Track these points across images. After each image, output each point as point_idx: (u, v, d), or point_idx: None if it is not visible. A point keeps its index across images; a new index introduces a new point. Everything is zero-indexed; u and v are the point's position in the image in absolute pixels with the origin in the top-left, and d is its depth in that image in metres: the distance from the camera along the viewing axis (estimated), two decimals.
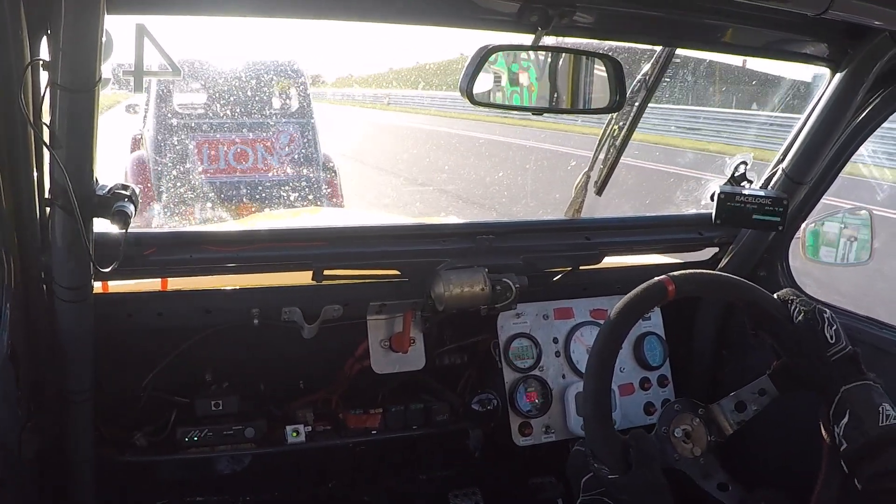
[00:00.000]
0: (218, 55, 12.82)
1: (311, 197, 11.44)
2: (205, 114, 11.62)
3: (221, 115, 11.46)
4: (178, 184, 10.94)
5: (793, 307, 2.37)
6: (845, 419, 2.21)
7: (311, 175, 11.60)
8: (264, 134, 11.58)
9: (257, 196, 11.27)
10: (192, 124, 11.37)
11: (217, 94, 11.48)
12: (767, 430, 2.77)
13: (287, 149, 11.61)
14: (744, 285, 2.46)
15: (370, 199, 15.87)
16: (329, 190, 11.65)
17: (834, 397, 2.25)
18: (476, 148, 24.49)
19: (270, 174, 11.49)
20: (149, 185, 10.58)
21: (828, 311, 2.34)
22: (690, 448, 2.45)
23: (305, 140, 11.72)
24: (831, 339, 2.30)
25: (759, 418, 2.46)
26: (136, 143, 11.91)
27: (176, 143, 11.07)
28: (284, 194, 11.38)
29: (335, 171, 11.86)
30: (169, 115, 11.23)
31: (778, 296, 2.43)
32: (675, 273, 2.38)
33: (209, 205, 10.94)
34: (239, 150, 11.38)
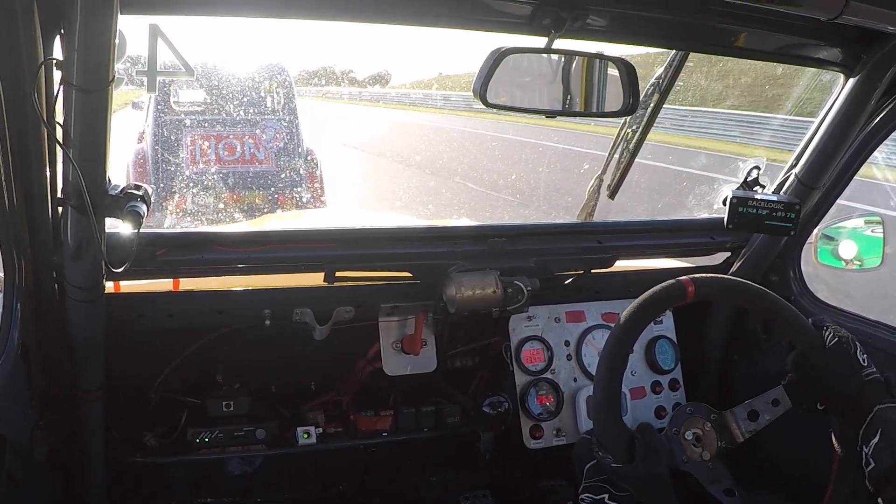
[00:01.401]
0: (215, 57, 13.59)
1: (293, 187, 12.69)
2: (198, 110, 12.71)
3: (213, 111, 12.65)
4: (173, 174, 12.05)
5: (826, 332, 2.39)
6: (876, 439, 2.21)
7: (294, 167, 12.69)
8: (252, 129, 12.66)
9: (244, 185, 12.49)
10: (187, 120, 12.42)
11: (210, 93, 12.68)
12: (778, 440, 2.76)
13: (272, 143, 12.66)
14: (762, 293, 2.47)
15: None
16: (310, 181, 12.77)
17: (866, 417, 2.26)
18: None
19: (256, 166, 12.60)
20: (147, 175, 11.75)
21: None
22: (700, 452, 2.46)
23: (289, 135, 12.77)
24: (864, 362, 2.33)
25: (771, 428, 2.46)
26: (141, 138, 12.73)
27: (171, 137, 12.18)
28: (269, 184, 12.60)
29: (317, 164, 12.89)
30: (166, 111, 12.28)
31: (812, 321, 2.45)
32: (697, 275, 2.39)
33: (201, 193, 12.03)
34: (228, 143, 12.48)
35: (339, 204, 13.76)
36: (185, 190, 11.93)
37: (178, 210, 11.60)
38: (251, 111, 12.72)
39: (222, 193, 12.21)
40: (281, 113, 12.96)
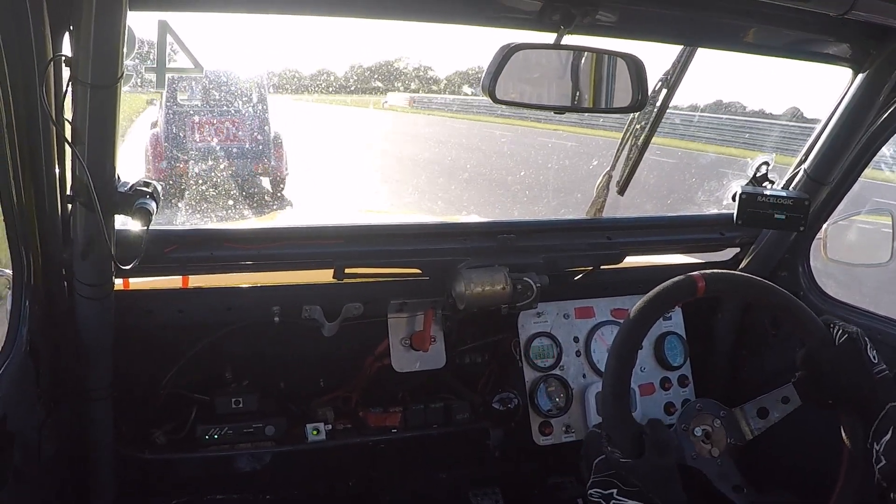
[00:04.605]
0: (211, 63, 17.80)
1: (264, 158, 17.06)
2: (197, 103, 17.16)
3: (208, 105, 17.08)
4: (180, 148, 16.44)
5: (835, 329, 2.39)
6: (888, 436, 2.22)
7: (263, 145, 17.07)
8: (233, 117, 17.04)
9: (228, 156, 16.85)
10: (189, 110, 16.88)
11: (205, 91, 17.05)
12: (787, 437, 2.76)
13: (248, 126, 17.06)
14: (772, 289, 2.47)
15: None
16: (277, 154, 17.14)
17: (878, 413, 2.26)
18: None
19: (236, 142, 16.98)
20: (161, 149, 16.05)
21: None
22: (709, 448, 2.46)
23: (260, 121, 17.17)
24: (875, 359, 2.33)
25: (780, 425, 2.46)
26: (154, 124, 16.87)
27: (178, 123, 16.55)
28: (245, 156, 17.02)
29: (281, 143, 17.21)
30: (173, 104, 16.60)
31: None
32: (707, 271, 2.39)
33: (199, 162, 16.49)
34: (217, 126, 16.86)
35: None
36: (187, 161, 16.28)
37: (184, 173, 16.13)
38: (234, 104, 17.14)
39: (213, 162, 16.58)
40: (255, 106, 17.22)
